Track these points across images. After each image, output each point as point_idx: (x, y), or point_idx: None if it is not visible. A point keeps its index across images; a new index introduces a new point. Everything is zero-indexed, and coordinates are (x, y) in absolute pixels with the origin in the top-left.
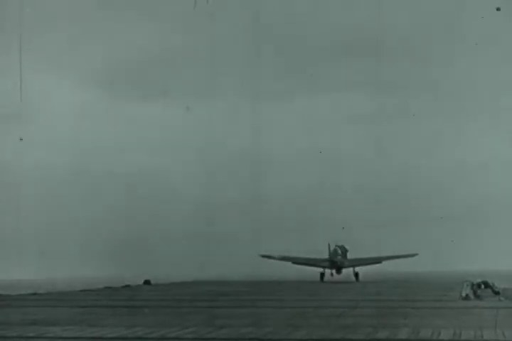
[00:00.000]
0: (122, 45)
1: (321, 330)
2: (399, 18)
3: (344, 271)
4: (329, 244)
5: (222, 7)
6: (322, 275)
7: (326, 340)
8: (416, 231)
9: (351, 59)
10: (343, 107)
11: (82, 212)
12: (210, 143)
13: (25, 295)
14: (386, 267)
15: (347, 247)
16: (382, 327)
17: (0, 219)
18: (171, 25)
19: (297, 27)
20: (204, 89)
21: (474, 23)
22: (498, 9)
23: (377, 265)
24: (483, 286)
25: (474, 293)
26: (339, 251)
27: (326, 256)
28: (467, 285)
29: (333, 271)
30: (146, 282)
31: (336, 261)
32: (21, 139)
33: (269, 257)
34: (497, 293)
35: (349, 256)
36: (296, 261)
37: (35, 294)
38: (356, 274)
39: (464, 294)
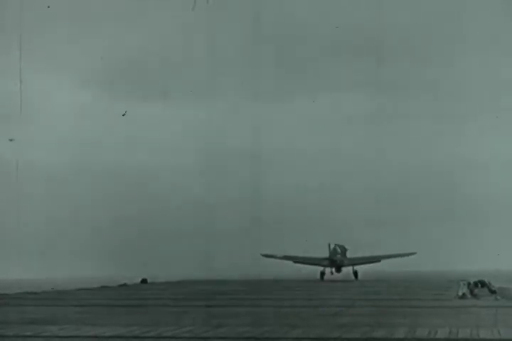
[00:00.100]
0: (122, 45)
1: (318, 329)
2: (399, 18)
3: (344, 269)
4: (329, 244)
5: (222, 7)
6: (322, 274)
7: (323, 339)
8: (416, 231)
9: (351, 59)
10: (343, 107)
11: (82, 212)
12: (210, 143)
13: (22, 294)
14: (386, 267)
15: (346, 247)
16: (379, 326)
17: (0, 219)
18: (171, 25)
19: (297, 27)
20: (204, 89)
21: (474, 23)
22: None
23: (378, 265)
24: (479, 285)
25: (471, 292)
26: (339, 250)
27: (326, 255)
28: (464, 285)
29: (333, 270)
30: (143, 281)
31: (336, 259)
32: (12, 140)
33: (270, 256)
34: (493, 292)
35: (348, 255)
36: (297, 260)
37: (32, 293)
38: (355, 273)
39: (460, 293)
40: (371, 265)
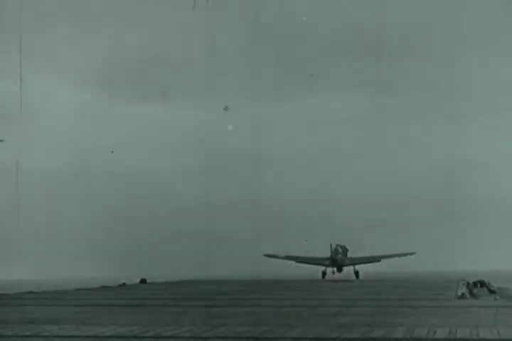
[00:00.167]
0: (122, 45)
1: (317, 329)
2: (399, 18)
3: (345, 269)
4: (331, 244)
5: (222, 7)
6: (324, 273)
7: (322, 339)
8: (415, 232)
9: (351, 59)
10: (343, 107)
11: (81, 212)
12: (210, 143)
13: (22, 294)
14: (386, 267)
15: (347, 247)
16: (378, 326)
17: (0, 219)
18: (171, 25)
19: (297, 27)
20: (204, 89)
21: (474, 23)
22: None
23: (378, 265)
24: (479, 285)
25: (470, 292)
26: (340, 250)
27: (326, 255)
28: (463, 285)
29: (335, 269)
30: (143, 281)
31: (337, 259)
32: (1, 140)
33: (273, 256)
34: (493, 292)
35: (349, 255)
36: (300, 260)
37: (31, 293)
38: (356, 272)
39: (459, 293)
40: (372, 265)
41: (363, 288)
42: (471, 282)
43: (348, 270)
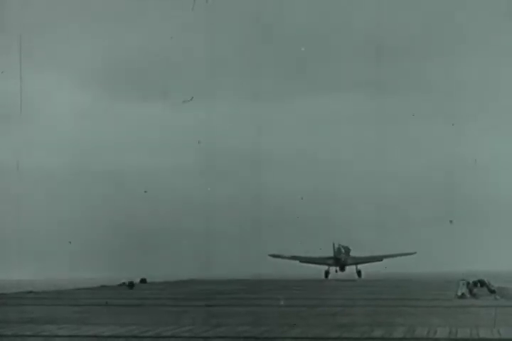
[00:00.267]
0: (122, 45)
1: (317, 329)
2: (399, 18)
3: (347, 269)
4: (334, 243)
5: (222, 7)
6: (327, 273)
7: (322, 339)
8: (416, 232)
9: (351, 59)
10: (343, 107)
11: (81, 212)
12: (210, 143)
13: (21, 294)
14: (387, 268)
15: (350, 247)
16: (378, 325)
17: (0, 219)
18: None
19: (297, 27)
20: (204, 89)
21: (474, 23)
22: None
23: (379, 265)
24: (479, 285)
25: (470, 291)
26: (343, 250)
27: (327, 254)
28: (463, 284)
29: (337, 269)
30: (142, 281)
31: (340, 258)
32: None
33: (278, 256)
34: (493, 292)
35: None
36: (304, 259)
37: (31, 292)
38: (359, 272)
39: (459, 293)
40: (373, 266)
41: (363, 287)
42: (471, 282)
43: (350, 269)
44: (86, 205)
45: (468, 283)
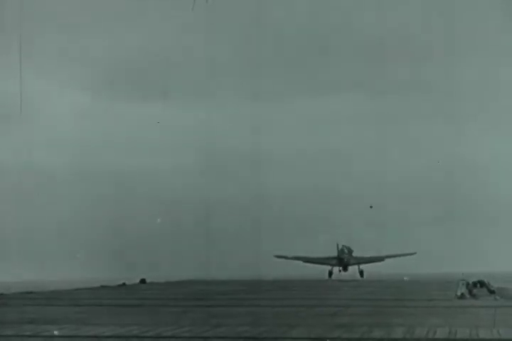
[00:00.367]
0: (122, 45)
1: (317, 329)
2: (399, 19)
3: (350, 269)
4: (337, 244)
5: (221, 7)
6: (330, 272)
7: (322, 339)
8: (416, 232)
9: (351, 59)
10: (343, 107)
11: (81, 212)
12: (210, 143)
13: (22, 294)
14: (387, 268)
15: (352, 248)
16: (378, 326)
17: (0, 219)
18: (171, 25)
19: (297, 27)
20: (204, 89)
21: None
22: None
23: (379, 266)
24: (478, 285)
25: (470, 292)
26: (346, 251)
27: (328, 254)
28: (463, 285)
29: (341, 268)
30: (142, 281)
31: (343, 257)
32: None
33: (282, 257)
34: (492, 292)
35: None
36: (308, 260)
37: (31, 293)
38: (361, 272)
39: (459, 293)
40: (374, 266)
41: (362, 287)
42: (470, 282)
43: (352, 270)
44: (86, 205)
45: (467, 284)
